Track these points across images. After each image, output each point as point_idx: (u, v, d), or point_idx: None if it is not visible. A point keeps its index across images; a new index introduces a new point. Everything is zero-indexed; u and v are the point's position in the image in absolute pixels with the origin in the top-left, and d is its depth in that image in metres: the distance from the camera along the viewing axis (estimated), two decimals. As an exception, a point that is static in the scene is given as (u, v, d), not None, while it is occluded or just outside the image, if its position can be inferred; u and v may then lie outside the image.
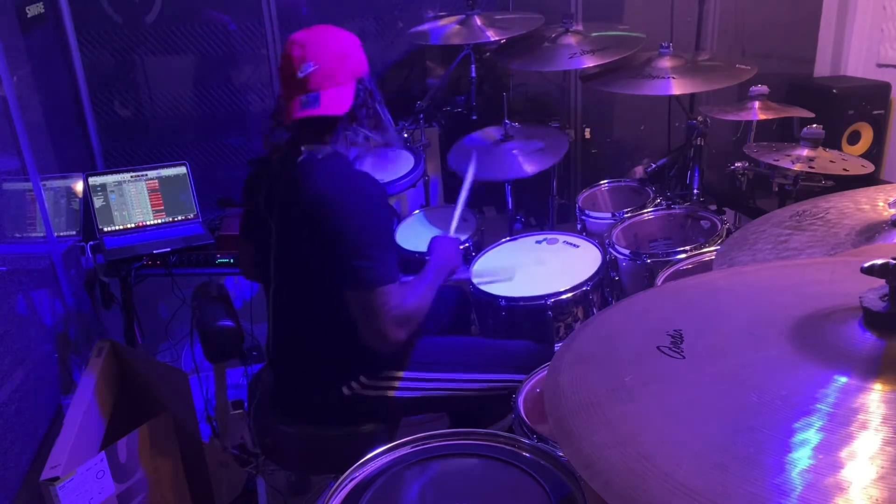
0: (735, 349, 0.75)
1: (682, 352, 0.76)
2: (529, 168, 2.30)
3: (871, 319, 0.69)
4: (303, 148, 1.49)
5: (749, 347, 0.74)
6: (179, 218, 2.36)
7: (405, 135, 2.56)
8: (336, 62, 1.47)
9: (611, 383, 0.74)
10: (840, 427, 0.61)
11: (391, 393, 1.58)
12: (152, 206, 2.34)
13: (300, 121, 1.45)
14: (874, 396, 0.63)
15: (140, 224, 2.32)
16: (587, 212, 2.36)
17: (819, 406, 0.63)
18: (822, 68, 3.39)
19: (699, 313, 0.86)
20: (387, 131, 1.60)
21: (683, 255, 1.91)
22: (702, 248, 1.92)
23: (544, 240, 2.17)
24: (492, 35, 2.49)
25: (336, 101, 1.46)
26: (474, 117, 2.81)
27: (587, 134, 3.19)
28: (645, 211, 2.24)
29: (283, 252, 1.58)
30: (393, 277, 1.45)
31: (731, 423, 0.64)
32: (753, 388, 0.67)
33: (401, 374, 1.59)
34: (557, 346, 1.86)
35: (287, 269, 1.60)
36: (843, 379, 0.65)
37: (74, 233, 2.17)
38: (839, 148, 3.02)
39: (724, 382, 0.70)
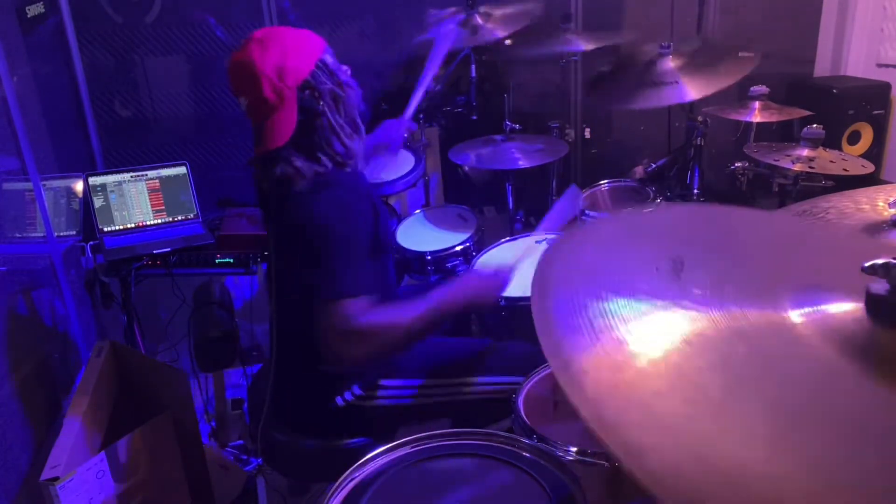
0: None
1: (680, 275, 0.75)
2: (523, 162, 2.33)
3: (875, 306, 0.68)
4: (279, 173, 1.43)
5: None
6: (179, 218, 2.36)
7: (405, 134, 2.56)
8: (265, 90, 1.36)
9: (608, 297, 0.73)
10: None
11: (384, 402, 1.55)
12: (152, 206, 2.34)
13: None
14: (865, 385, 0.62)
15: (140, 224, 2.32)
16: (587, 212, 2.36)
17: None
18: (822, 68, 3.39)
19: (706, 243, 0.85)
20: (358, 129, 1.51)
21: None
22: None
23: (544, 240, 2.17)
24: (492, 33, 2.49)
25: (277, 130, 1.38)
26: (474, 117, 2.82)
27: (587, 134, 3.19)
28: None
29: (279, 264, 1.59)
30: (349, 291, 1.35)
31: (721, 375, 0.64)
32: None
33: (393, 381, 1.55)
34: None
35: (282, 280, 1.59)
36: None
37: (74, 233, 2.17)
38: (839, 148, 3.02)
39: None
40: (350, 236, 1.40)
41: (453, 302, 1.46)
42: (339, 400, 1.52)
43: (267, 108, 1.39)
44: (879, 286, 0.68)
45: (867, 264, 0.67)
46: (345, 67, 1.50)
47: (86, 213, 2.23)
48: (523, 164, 2.35)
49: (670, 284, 0.74)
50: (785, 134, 3.08)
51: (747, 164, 2.06)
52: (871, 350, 0.65)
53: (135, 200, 2.32)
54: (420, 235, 2.27)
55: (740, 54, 2.21)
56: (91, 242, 2.21)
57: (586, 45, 2.31)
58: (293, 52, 1.39)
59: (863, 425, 0.58)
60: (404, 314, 1.41)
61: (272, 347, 1.67)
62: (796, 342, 0.67)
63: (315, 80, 1.41)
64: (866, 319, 0.68)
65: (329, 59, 1.45)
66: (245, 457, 2.16)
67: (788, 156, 1.85)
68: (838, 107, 3.04)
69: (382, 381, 1.55)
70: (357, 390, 1.53)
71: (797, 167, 1.80)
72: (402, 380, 1.56)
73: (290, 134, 1.39)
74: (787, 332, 0.68)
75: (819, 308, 0.70)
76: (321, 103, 1.42)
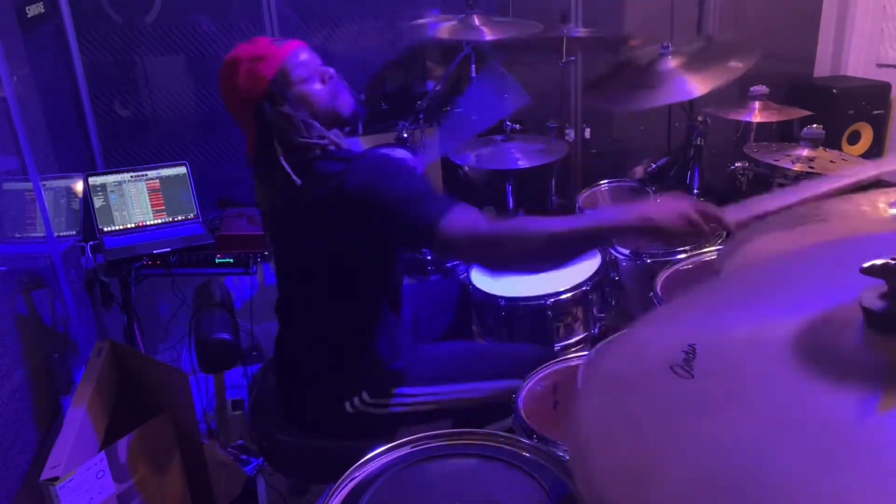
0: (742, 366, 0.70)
1: (692, 371, 0.70)
2: (523, 162, 2.33)
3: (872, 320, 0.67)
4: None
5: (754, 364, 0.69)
6: (179, 218, 2.36)
7: (405, 135, 2.57)
8: (233, 106, 1.46)
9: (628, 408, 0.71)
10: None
11: (394, 409, 1.54)
12: (152, 206, 2.34)
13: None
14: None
15: (140, 224, 2.32)
16: (587, 212, 2.36)
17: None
18: (822, 68, 3.39)
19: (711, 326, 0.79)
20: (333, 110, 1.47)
21: (683, 255, 1.91)
22: (702, 249, 1.92)
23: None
24: (489, 34, 2.49)
25: (248, 145, 1.49)
26: (474, 117, 2.81)
27: (587, 134, 3.19)
28: (645, 211, 2.24)
29: (289, 263, 1.58)
30: (440, 209, 1.30)
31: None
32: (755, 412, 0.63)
33: (403, 389, 1.55)
34: (557, 346, 1.87)
35: (293, 280, 1.59)
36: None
37: (74, 233, 2.17)
38: (839, 148, 3.02)
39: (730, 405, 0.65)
40: (405, 174, 1.41)
41: (594, 226, 1.32)
42: (347, 405, 1.52)
43: (240, 126, 1.49)
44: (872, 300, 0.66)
45: (865, 265, 0.66)
46: (329, 69, 1.48)
47: (86, 213, 2.22)
48: (523, 164, 2.35)
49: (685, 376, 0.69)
50: (785, 134, 3.08)
51: (747, 164, 2.06)
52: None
53: (135, 200, 2.32)
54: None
55: (731, 64, 2.17)
56: (91, 242, 2.21)
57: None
58: (244, 77, 1.41)
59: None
60: (530, 222, 1.34)
61: (277, 347, 1.67)
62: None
63: (268, 100, 1.41)
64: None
65: (290, 70, 1.42)
66: (245, 457, 2.16)
67: (788, 156, 1.85)
68: (838, 107, 3.04)
69: (398, 390, 1.54)
70: (366, 397, 1.52)
71: (797, 167, 1.80)
72: (415, 388, 1.55)
73: (254, 150, 1.47)
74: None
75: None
76: (275, 121, 1.41)
